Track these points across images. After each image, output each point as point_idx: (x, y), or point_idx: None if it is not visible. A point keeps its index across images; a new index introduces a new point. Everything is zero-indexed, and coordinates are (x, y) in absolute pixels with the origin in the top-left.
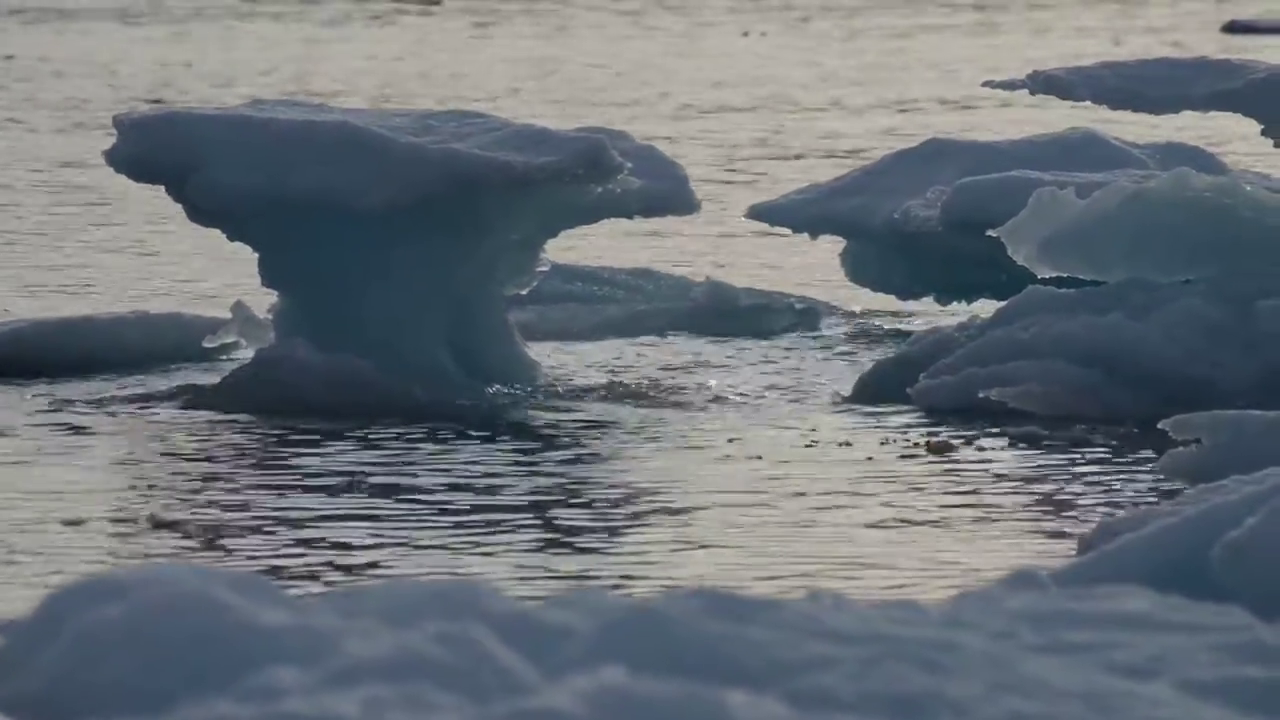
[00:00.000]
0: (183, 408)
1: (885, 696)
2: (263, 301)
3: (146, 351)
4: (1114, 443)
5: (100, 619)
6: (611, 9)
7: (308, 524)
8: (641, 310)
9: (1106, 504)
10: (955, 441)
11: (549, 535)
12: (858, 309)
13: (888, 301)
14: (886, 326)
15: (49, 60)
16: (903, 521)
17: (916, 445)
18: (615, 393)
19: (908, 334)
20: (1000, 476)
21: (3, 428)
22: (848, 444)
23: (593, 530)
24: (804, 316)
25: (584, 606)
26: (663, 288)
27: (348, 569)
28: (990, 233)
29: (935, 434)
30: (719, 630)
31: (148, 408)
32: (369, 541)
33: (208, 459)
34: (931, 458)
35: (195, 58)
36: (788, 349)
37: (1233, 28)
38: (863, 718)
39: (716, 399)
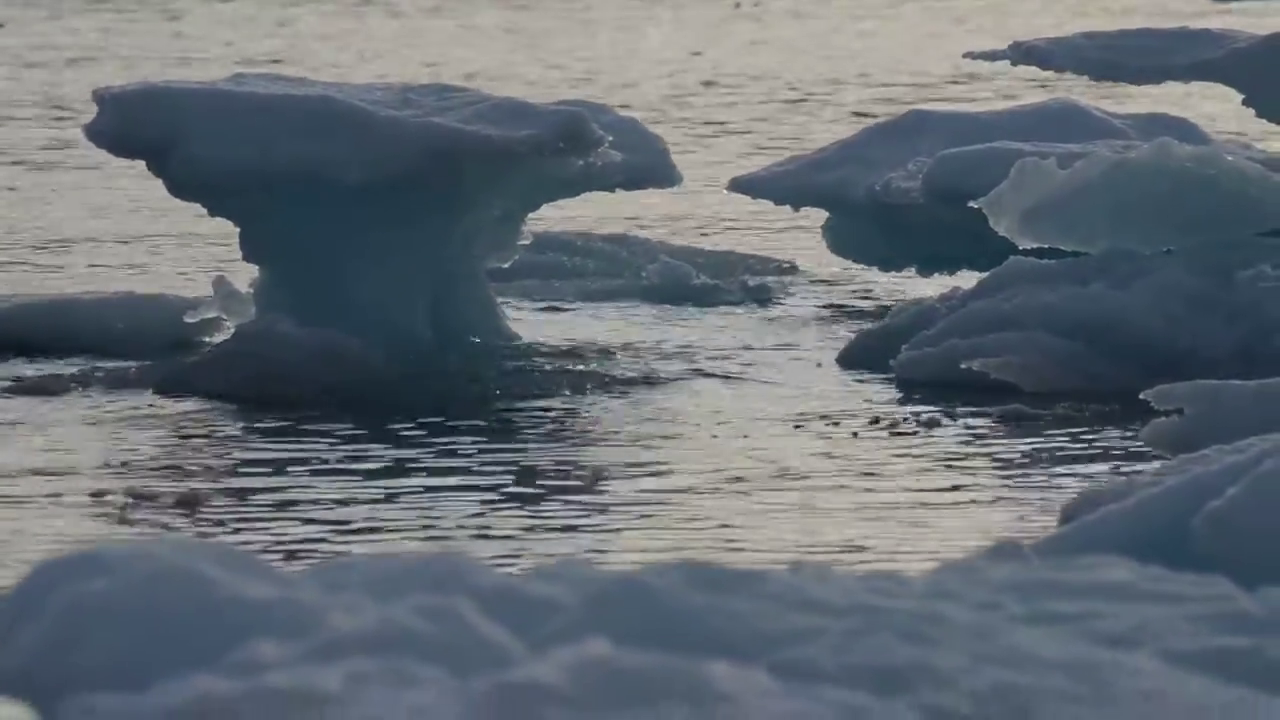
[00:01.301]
0: (164, 382)
1: (869, 668)
2: (244, 277)
3: (130, 332)
4: (1096, 413)
5: (84, 594)
6: None
7: (291, 498)
8: (596, 288)
9: (1088, 474)
10: (940, 417)
11: (533, 511)
12: (835, 280)
13: (868, 273)
14: (867, 297)
15: (27, 42)
16: (885, 493)
17: (878, 422)
18: (600, 368)
19: (888, 307)
20: (982, 447)
21: None
22: (834, 423)
23: (578, 507)
24: (756, 293)
25: (568, 579)
26: (637, 254)
27: (331, 542)
28: (972, 204)
29: (878, 419)
30: (703, 602)
31: (129, 383)
32: (352, 515)
33: (189, 434)
34: (920, 431)
35: (177, 35)
36: (766, 321)
37: None
38: (847, 689)
39: (700, 375)
